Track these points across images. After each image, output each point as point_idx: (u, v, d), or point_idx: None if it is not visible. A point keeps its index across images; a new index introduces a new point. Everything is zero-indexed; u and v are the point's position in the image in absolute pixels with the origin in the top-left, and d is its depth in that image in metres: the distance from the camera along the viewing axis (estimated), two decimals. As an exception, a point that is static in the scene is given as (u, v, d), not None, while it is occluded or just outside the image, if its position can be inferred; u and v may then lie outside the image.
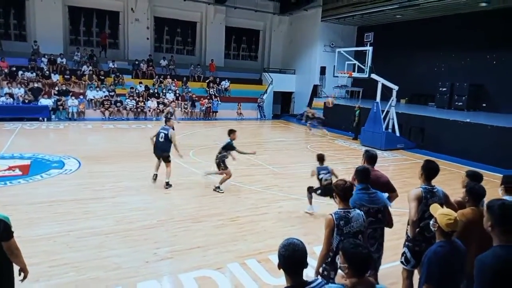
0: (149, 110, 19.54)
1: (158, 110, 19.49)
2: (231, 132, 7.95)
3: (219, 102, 21.58)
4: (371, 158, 4.47)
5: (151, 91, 20.63)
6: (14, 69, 18.34)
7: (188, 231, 5.81)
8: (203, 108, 20.93)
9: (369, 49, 13.97)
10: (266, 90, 23.86)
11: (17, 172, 8.57)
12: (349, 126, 17.07)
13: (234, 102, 22.30)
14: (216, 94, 22.21)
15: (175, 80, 22.00)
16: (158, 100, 20.10)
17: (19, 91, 16.95)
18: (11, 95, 16.61)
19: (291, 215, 6.76)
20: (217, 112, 21.27)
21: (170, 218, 6.31)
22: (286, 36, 26.49)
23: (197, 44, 25.55)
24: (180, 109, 20.26)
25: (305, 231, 5.97)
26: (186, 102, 20.90)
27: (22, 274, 3.10)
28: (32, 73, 18.66)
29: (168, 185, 7.95)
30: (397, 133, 14.42)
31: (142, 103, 19.51)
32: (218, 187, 7.89)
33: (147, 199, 7.23)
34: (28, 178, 8.21)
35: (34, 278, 4.24)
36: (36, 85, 17.78)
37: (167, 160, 8.01)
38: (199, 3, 23.50)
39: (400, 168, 11.19)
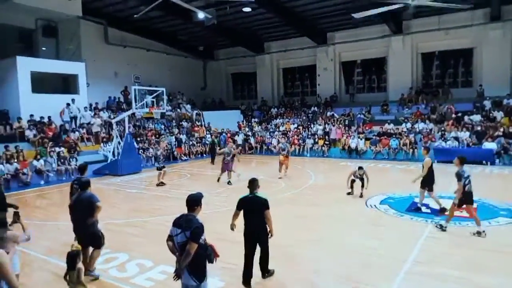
0: None
1: None
2: None
3: None
4: None
5: None
6: (460, 114, 19.66)
7: None
8: None
9: None
10: None
11: (465, 214, 8.90)
12: None
13: None
14: None
15: None
16: None
17: (464, 135, 17.88)
18: (456, 139, 17.84)
19: None
20: None
21: None
22: None
23: None
24: None
25: None
26: None
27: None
28: (477, 115, 19.15)
29: None
30: None
31: None
32: None
33: None
34: (475, 221, 8.29)
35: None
36: (479, 128, 18.03)
37: None
38: None
39: None
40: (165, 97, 17.95)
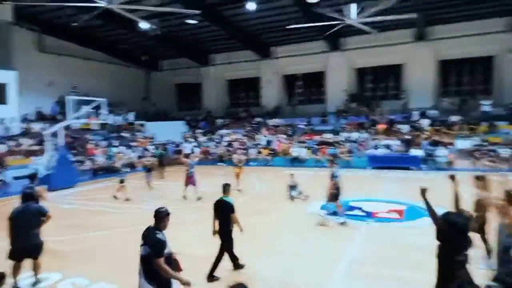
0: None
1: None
2: None
3: None
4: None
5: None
6: (390, 121, 21.36)
7: None
8: None
9: None
10: None
11: (395, 215, 9.68)
12: None
13: None
14: None
15: None
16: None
17: (394, 143, 19.38)
18: (387, 146, 19.29)
19: None
20: None
21: None
22: None
23: None
24: None
25: None
26: None
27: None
28: (405, 125, 20.90)
29: None
30: None
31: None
32: None
33: None
34: (404, 222, 9.08)
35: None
36: (408, 137, 19.67)
37: None
38: None
39: None
40: (105, 107, 17.29)
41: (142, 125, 25.46)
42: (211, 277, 5.74)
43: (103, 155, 19.50)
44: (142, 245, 3.93)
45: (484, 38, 20.63)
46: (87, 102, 16.63)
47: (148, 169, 12.98)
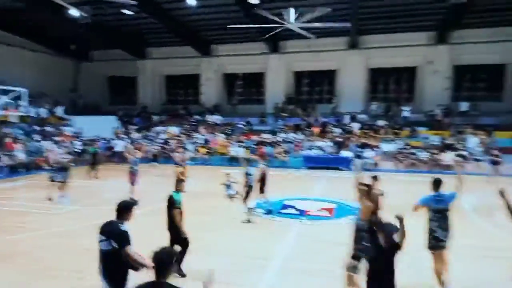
0: (445, 163, 18.36)
1: (456, 163, 18.00)
2: None
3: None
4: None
5: (447, 142, 19.50)
6: (324, 124, 22.39)
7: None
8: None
9: None
10: None
11: (326, 213, 10.14)
12: None
13: None
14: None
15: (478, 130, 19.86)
16: (457, 152, 18.62)
17: (327, 144, 20.35)
18: (320, 148, 20.21)
19: None
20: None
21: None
22: None
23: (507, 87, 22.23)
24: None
25: None
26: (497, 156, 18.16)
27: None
28: (338, 128, 22.03)
29: None
30: None
31: (437, 155, 18.65)
32: None
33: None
34: (334, 219, 9.54)
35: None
36: (339, 139, 20.77)
37: None
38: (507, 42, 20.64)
39: None
40: (25, 98, 15.77)
41: (64, 119, 23.57)
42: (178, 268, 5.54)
43: (23, 151, 17.75)
44: (102, 241, 3.74)
45: (408, 50, 22.54)
46: (5, 92, 15.05)
47: (63, 167, 11.76)
